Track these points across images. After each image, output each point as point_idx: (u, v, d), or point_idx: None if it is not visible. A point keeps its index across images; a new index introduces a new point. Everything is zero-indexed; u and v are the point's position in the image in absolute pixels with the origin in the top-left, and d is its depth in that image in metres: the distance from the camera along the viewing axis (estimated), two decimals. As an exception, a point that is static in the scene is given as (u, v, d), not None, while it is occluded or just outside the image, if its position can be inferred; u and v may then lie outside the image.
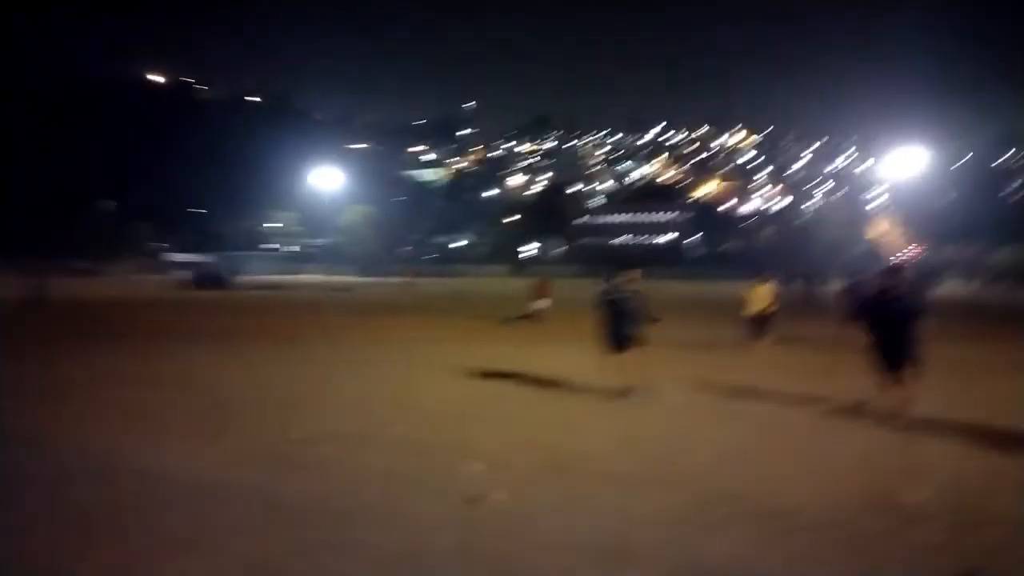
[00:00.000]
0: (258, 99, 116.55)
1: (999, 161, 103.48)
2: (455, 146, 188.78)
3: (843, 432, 7.08)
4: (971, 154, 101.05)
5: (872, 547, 4.25)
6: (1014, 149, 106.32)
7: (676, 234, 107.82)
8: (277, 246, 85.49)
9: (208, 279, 40.11)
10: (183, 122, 78.32)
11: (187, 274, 43.13)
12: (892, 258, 71.27)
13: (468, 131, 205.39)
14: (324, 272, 69.63)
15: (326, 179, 71.89)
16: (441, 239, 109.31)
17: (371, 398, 8.80)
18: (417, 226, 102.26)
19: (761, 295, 13.43)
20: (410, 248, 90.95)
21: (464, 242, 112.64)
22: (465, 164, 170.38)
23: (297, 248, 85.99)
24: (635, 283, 8.97)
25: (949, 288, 44.41)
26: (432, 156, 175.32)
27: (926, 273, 45.10)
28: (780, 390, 9.08)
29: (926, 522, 4.63)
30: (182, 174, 69.45)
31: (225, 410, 7.90)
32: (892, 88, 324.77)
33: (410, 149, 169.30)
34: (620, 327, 8.57)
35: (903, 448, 6.57)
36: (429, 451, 6.29)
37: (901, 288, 7.40)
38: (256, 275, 52.95)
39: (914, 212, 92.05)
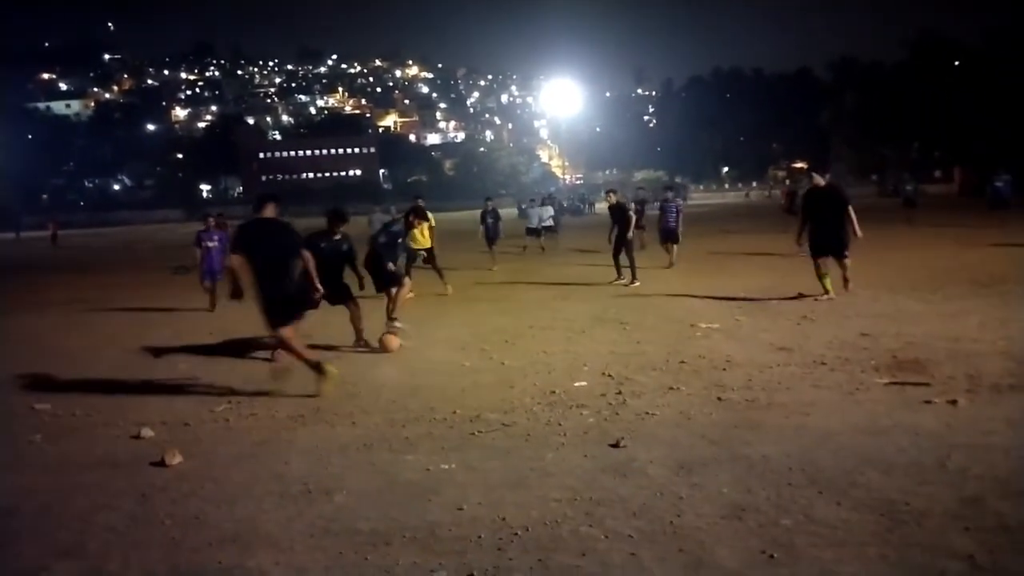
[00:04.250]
0: None
1: (636, 93, 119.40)
2: (96, 74, 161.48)
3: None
4: (608, 91, 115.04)
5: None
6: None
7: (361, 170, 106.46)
8: None
9: None
10: None
11: None
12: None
13: (109, 57, 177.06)
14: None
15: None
16: (93, 182, 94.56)
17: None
18: (57, 168, 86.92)
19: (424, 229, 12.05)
20: (46, 196, 77.35)
21: (120, 185, 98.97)
22: (111, 95, 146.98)
23: None
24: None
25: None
26: (67, 86, 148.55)
27: (579, 198, 51.04)
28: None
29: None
30: None
31: None
32: (543, 29, 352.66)
33: (37, 77, 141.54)
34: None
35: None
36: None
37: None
38: None
39: (570, 143, 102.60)
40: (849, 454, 4.04)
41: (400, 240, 8.73)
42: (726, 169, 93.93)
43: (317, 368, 5.70)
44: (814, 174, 9.60)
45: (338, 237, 7.52)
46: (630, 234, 12.12)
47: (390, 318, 8.29)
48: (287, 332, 5.79)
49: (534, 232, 20.32)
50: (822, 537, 3.13)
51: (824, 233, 9.13)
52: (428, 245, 12.35)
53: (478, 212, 17.58)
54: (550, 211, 21.67)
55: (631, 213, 12.37)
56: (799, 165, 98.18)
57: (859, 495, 3.51)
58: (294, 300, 5.99)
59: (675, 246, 14.60)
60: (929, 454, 3.98)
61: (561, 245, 21.18)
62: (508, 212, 23.25)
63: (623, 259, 12.19)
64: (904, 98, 59.97)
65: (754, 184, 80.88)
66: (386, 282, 8.40)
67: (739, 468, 3.93)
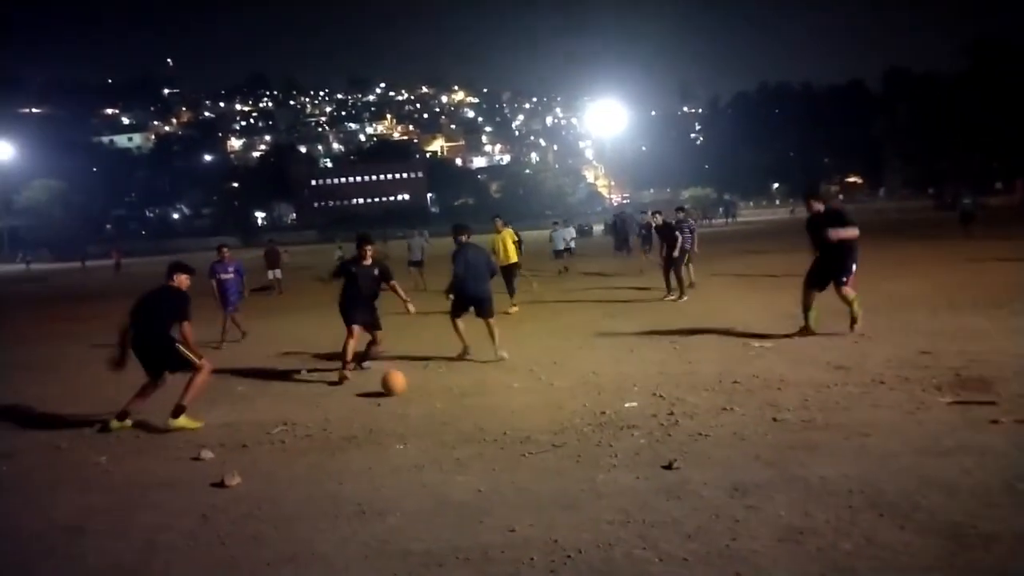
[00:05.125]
0: None
1: (681, 111, 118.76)
2: (156, 108, 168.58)
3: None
4: (654, 110, 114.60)
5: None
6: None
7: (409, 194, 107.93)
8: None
9: None
10: None
11: None
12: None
13: (168, 91, 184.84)
14: (10, 261, 58.69)
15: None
16: (153, 212, 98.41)
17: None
18: (120, 199, 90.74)
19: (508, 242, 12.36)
20: (110, 226, 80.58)
21: (179, 214, 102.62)
22: (170, 128, 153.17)
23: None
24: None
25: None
26: (129, 120, 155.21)
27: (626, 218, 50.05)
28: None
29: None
30: None
31: None
32: (587, 50, 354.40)
33: (102, 112, 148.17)
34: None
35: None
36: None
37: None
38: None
39: (615, 162, 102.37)
40: (911, 476, 3.91)
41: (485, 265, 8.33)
42: (776, 185, 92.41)
43: (121, 416, 6.22)
44: (810, 200, 8.20)
45: (367, 263, 7.82)
46: (676, 252, 12.21)
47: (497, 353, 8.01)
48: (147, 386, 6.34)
49: (563, 253, 20.84)
50: (885, 562, 3.03)
51: (822, 261, 7.88)
52: (515, 260, 12.49)
53: (547, 232, 17.76)
54: (572, 232, 22.98)
55: (677, 232, 12.38)
56: (851, 179, 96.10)
57: (923, 518, 3.40)
58: (153, 361, 6.34)
59: (690, 266, 13.60)
60: (996, 475, 3.83)
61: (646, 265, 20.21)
62: (537, 235, 23.19)
63: (672, 276, 12.36)
64: (961, 108, 58.27)
65: (805, 199, 79.16)
66: (483, 311, 8.15)
67: (796, 490, 3.84)
